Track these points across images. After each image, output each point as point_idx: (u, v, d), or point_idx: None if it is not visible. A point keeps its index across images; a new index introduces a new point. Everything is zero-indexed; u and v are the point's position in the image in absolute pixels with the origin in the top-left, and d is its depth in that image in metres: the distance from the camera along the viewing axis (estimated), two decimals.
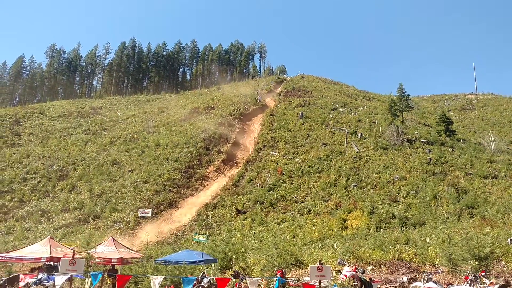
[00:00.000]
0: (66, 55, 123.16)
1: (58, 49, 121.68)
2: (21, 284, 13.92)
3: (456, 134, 56.29)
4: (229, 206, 39.95)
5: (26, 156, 52.44)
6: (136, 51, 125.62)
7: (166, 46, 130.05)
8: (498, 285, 12.61)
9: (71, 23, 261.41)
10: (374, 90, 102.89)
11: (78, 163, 50.31)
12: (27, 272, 18.57)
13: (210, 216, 38.51)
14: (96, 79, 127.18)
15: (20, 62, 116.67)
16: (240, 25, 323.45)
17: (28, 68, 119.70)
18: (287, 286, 14.59)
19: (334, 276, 15.63)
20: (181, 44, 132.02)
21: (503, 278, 15.62)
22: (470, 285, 12.39)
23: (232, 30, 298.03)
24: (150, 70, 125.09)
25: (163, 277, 12.47)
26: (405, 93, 62.58)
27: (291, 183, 43.07)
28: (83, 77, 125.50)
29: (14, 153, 53.07)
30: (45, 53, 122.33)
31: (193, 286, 14.14)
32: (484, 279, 13.50)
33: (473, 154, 46.52)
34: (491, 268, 16.41)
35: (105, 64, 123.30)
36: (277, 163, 47.58)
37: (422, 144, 50.92)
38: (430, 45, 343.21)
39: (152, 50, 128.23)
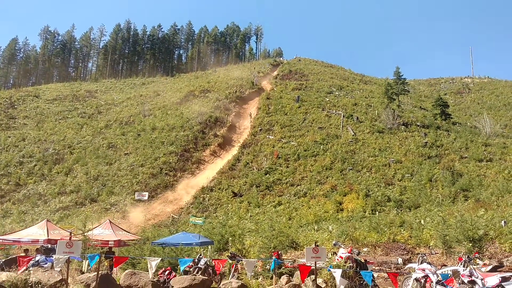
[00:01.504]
0: (60, 37, 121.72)
1: (52, 31, 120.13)
2: (21, 270, 13.97)
3: (452, 118, 56.39)
4: (225, 189, 40.13)
5: (21, 139, 52.22)
6: (131, 33, 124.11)
7: (162, 28, 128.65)
8: (491, 266, 12.76)
9: (65, 4, 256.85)
10: (371, 74, 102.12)
11: (74, 147, 50.19)
12: (23, 254, 18.63)
13: (207, 199, 38.70)
14: (91, 61, 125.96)
15: (13, 44, 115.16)
16: (236, 7, 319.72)
17: (22, 50, 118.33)
18: (283, 267, 14.72)
19: (330, 258, 15.75)
20: (177, 26, 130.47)
21: (496, 259, 15.81)
22: (463, 266, 12.52)
23: (228, 12, 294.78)
24: (146, 52, 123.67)
25: (160, 258, 12.53)
26: (402, 77, 62.31)
27: (287, 167, 43.20)
28: (78, 60, 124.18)
29: (9, 137, 52.84)
30: (39, 35, 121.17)
31: (189, 267, 14.27)
32: (477, 260, 13.67)
33: (468, 138, 46.71)
34: (484, 249, 16.62)
35: (100, 47, 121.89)
36: (273, 147, 47.64)
37: (418, 127, 51.03)
38: (427, 28, 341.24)
39: (148, 33, 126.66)
